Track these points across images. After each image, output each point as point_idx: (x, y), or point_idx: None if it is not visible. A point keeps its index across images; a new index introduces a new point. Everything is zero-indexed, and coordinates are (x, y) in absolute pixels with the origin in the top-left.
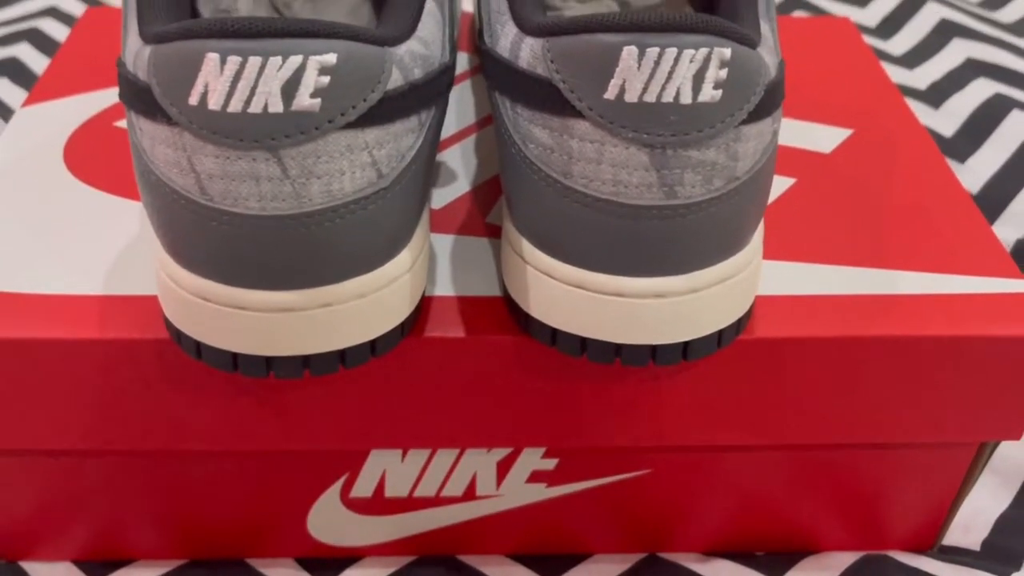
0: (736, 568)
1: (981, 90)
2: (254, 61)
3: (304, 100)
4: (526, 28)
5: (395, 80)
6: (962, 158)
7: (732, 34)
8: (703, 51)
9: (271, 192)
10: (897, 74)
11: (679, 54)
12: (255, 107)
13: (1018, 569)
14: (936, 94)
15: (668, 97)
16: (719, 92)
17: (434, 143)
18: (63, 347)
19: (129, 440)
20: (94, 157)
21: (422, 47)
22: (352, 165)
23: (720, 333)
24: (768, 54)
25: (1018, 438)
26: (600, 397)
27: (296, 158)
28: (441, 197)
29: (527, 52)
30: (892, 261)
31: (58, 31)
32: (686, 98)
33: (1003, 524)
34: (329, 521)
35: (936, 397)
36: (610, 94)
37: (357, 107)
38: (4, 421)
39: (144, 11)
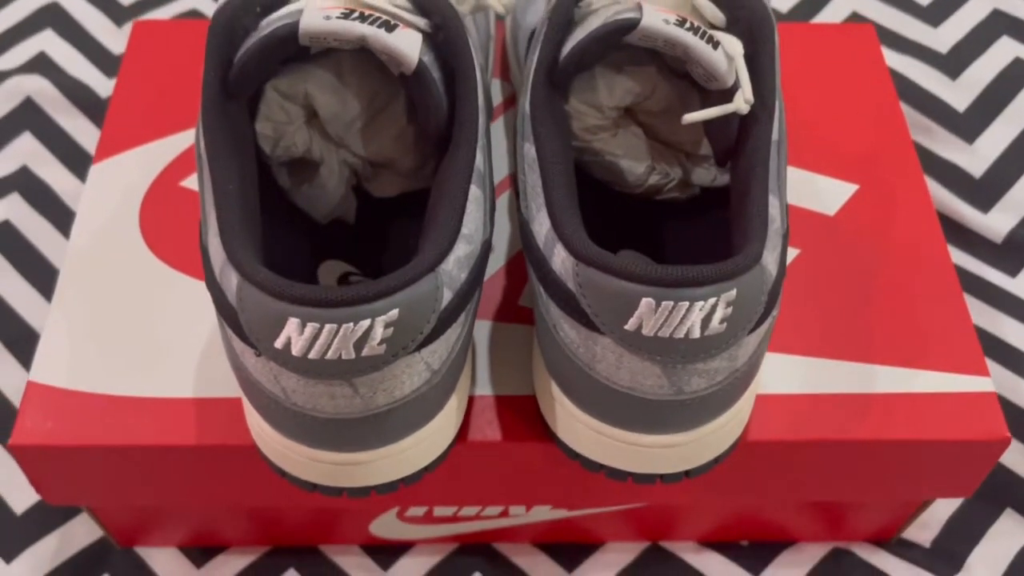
0: (725, 558)
1: (1002, 54)
2: (330, 328)
3: (372, 348)
4: (558, 231)
5: (446, 299)
6: (971, 138)
7: (738, 271)
8: (711, 300)
9: (344, 404)
10: (921, 33)
11: (690, 306)
12: (331, 356)
13: (959, 570)
14: (955, 60)
15: (679, 335)
16: (724, 324)
17: (476, 312)
18: (156, 451)
19: (226, 498)
20: (169, 228)
21: (467, 245)
22: (411, 375)
23: (718, 456)
24: (772, 250)
25: (969, 495)
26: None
27: (365, 383)
28: None
29: (559, 260)
30: (872, 354)
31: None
32: (695, 334)
33: (952, 525)
34: (388, 528)
35: (902, 477)
36: (629, 327)
37: (415, 339)
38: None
39: (220, 198)
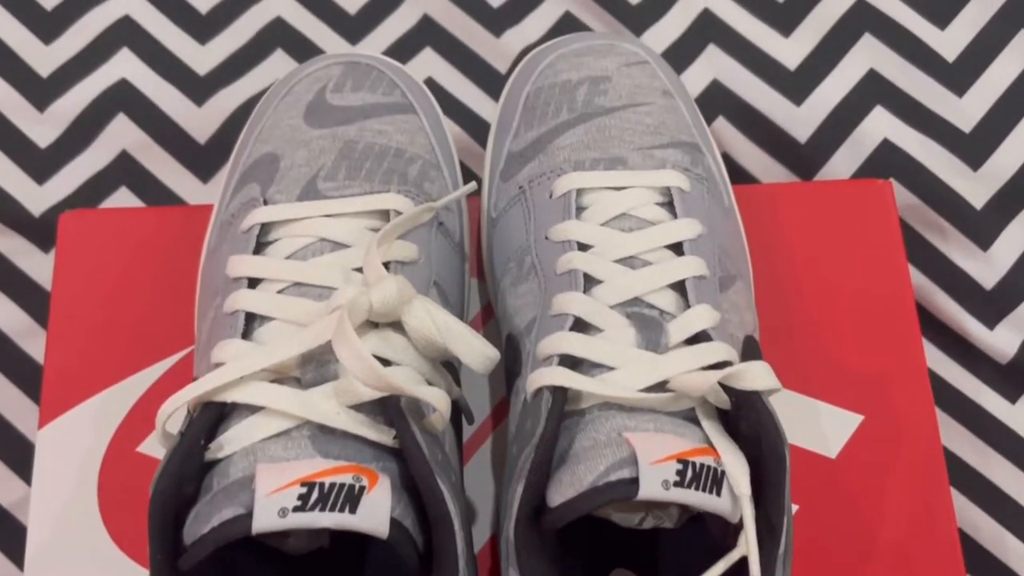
0: None
1: None
2: None
3: None
4: None
5: None
6: (986, 242)
7: None
8: None
9: None
10: (946, 106)
11: None
12: None
13: None
14: (979, 143)
15: None
16: None
17: None
18: None
19: None
20: (132, 511)
21: None
22: None
23: None
24: None
25: None
26: None
27: None
28: None
29: None
30: None
31: None
32: None
33: None
34: None
35: None
36: None
37: None
38: None
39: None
